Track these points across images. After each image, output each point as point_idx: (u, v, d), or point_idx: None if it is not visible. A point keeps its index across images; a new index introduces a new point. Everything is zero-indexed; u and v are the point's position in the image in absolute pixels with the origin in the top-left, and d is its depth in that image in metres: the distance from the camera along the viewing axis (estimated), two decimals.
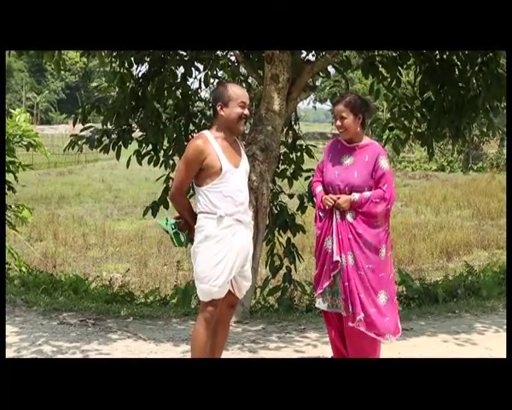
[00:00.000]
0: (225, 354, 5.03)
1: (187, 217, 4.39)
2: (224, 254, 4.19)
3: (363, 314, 4.54)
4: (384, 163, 4.61)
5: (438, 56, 7.65)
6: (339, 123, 4.66)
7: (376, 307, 4.58)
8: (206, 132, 4.35)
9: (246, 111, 4.31)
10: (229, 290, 4.35)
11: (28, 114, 12.19)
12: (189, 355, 4.53)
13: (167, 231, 4.45)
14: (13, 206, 11.59)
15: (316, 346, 5.94)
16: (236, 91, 4.30)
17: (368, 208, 4.55)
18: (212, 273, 4.18)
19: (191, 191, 5.56)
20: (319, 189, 4.79)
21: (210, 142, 4.23)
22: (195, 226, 4.29)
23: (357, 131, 4.69)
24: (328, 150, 4.85)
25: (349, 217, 4.59)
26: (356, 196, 4.56)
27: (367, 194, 4.56)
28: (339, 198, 4.58)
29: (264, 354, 5.63)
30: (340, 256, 4.57)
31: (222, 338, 4.51)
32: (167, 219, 4.47)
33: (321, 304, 4.76)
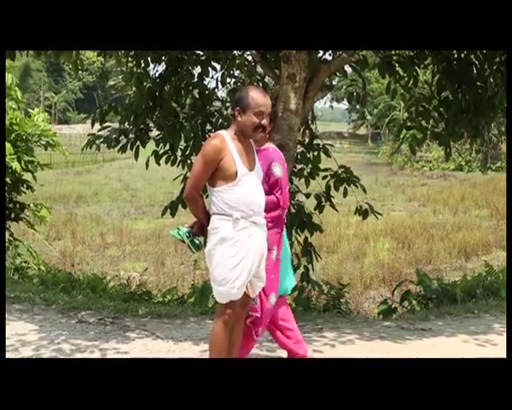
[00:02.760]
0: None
1: (201, 217, 4.34)
2: (241, 256, 4.16)
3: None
4: (277, 170, 4.56)
5: (455, 56, 7.60)
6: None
7: (262, 310, 4.60)
8: (223, 132, 4.32)
9: (264, 121, 4.23)
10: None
11: (46, 114, 12.31)
12: (206, 354, 4.54)
13: (183, 241, 4.43)
14: (31, 205, 11.71)
15: (333, 346, 5.94)
16: (256, 99, 4.22)
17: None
18: (229, 276, 4.16)
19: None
20: None
21: (227, 142, 4.20)
22: (209, 228, 4.26)
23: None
24: None
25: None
26: None
27: None
28: None
29: (281, 353, 5.62)
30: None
31: (237, 337, 4.50)
32: (179, 229, 4.45)
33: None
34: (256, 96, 4.23)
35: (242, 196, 4.19)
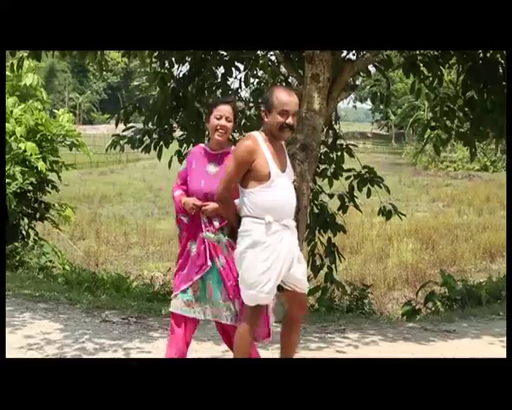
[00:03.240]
0: (265, 354, 5.03)
1: (232, 219, 4.31)
2: (271, 261, 4.12)
3: None
4: None
5: (481, 55, 7.53)
6: (224, 122, 4.42)
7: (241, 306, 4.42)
8: (255, 134, 4.28)
9: (289, 119, 4.16)
10: (297, 292, 4.32)
11: (71, 115, 12.44)
12: (228, 354, 4.54)
13: (218, 241, 4.40)
14: (56, 205, 11.83)
15: (357, 347, 5.91)
16: (280, 98, 4.17)
17: None
18: (259, 280, 4.12)
19: None
20: (177, 192, 4.63)
21: (259, 144, 4.17)
22: (240, 230, 4.22)
23: (228, 137, 4.62)
24: (191, 158, 4.68)
25: (216, 222, 4.44)
26: None
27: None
28: (205, 205, 4.41)
29: (304, 354, 5.61)
30: (212, 261, 4.41)
31: (296, 337, 4.56)
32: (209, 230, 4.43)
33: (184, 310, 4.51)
34: (280, 95, 4.19)
35: (275, 198, 4.16)
